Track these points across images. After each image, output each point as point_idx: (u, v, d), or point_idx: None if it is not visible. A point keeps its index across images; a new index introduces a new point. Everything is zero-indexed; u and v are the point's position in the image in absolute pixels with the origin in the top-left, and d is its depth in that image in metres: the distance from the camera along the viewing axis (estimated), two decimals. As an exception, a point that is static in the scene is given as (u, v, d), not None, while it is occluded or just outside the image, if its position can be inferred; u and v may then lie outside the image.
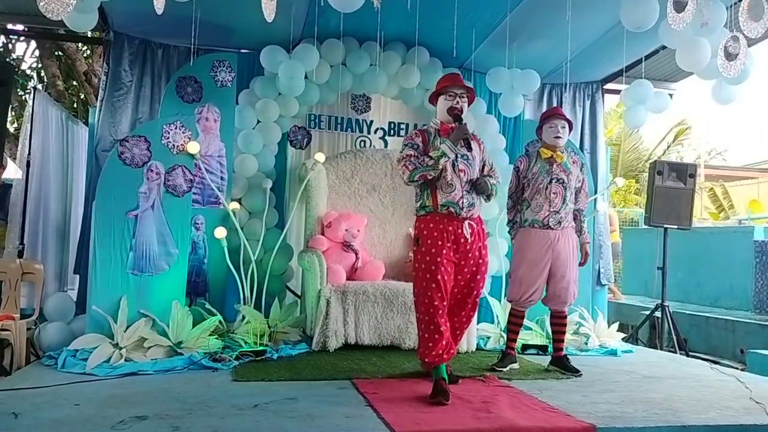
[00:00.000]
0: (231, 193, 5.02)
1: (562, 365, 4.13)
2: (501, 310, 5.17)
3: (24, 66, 10.84)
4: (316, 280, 4.66)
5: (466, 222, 3.48)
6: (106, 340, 3.97)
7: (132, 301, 4.15)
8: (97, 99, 5.65)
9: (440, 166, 3.40)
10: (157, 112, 5.08)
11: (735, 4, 3.65)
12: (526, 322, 5.15)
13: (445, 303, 3.39)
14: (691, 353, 5.80)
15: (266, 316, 4.76)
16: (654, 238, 6.25)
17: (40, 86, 9.17)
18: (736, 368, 5.01)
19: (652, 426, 2.93)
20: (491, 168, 3.71)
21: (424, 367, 3.53)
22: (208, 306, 4.65)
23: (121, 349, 3.94)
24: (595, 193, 5.60)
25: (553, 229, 4.08)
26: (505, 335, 5.01)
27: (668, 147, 16.19)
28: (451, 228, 3.43)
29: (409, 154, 3.45)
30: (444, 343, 3.37)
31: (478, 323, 4.93)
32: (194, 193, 4.69)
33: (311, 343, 4.55)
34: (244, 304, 4.79)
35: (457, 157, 3.46)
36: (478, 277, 3.56)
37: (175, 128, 4.50)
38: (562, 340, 4.24)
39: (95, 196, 4.32)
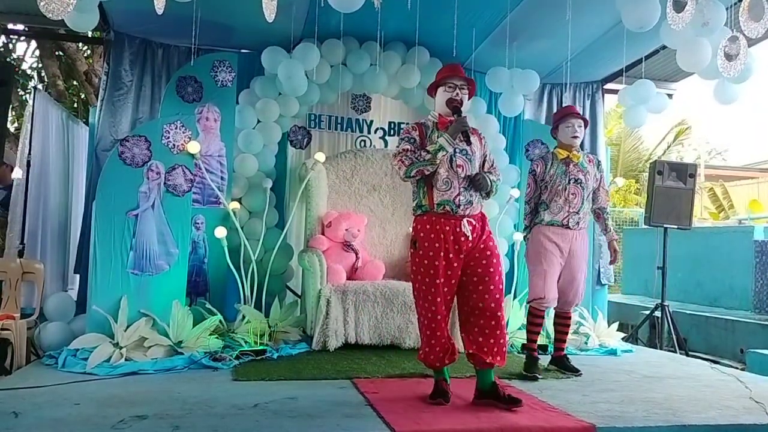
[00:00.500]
0: (231, 192, 5.03)
1: (562, 364, 4.12)
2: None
3: (24, 66, 10.83)
4: (316, 279, 4.66)
5: (465, 220, 3.25)
6: (106, 339, 3.97)
7: (132, 301, 4.15)
8: (97, 99, 5.66)
9: (438, 161, 3.21)
10: (157, 111, 5.09)
11: (735, 4, 3.65)
12: (525, 321, 5.17)
13: (443, 307, 3.23)
14: (691, 353, 5.80)
15: (266, 315, 4.77)
16: (654, 238, 6.25)
17: (40, 86, 9.17)
18: (736, 368, 5.02)
19: (652, 426, 2.93)
20: (492, 165, 3.50)
21: (429, 366, 3.46)
22: (208, 305, 4.65)
23: (121, 348, 3.95)
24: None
25: (571, 229, 4.02)
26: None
27: (668, 147, 16.19)
28: (448, 228, 3.22)
29: (405, 149, 3.26)
30: (443, 346, 3.27)
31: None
32: (194, 193, 4.69)
33: (311, 342, 4.55)
34: (245, 303, 4.79)
35: (455, 151, 3.25)
36: (492, 270, 3.25)
37: (176, 128, 4.50)
38: (564, 340, 4.21)
39: (95, 196, 4.33)
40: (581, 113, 4.45)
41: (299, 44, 4.89)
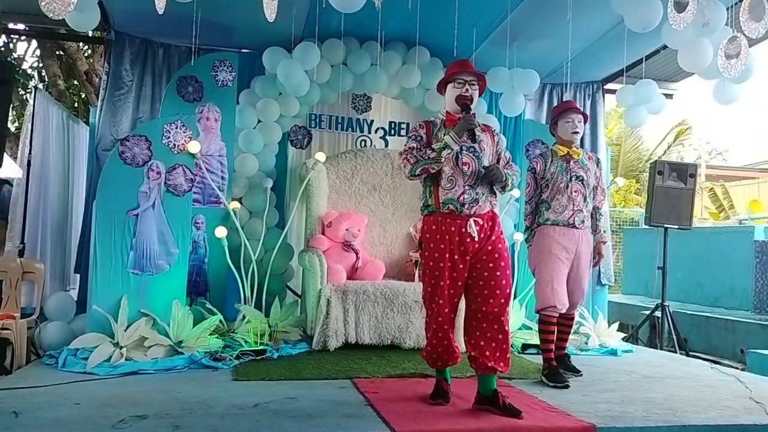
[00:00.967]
0: (231, 192, 5.03)
1: (562, 364, 4.01)
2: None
3: (25, 65, 10.85)
4: (316, 279, 4.66)
5: (471, 220, 3.15)
6: (106, 339, 3.97)
7: (132, 301, 4.15)
8: (97, 98, 5.66)
9: (443, 159, 3.13)
10: (157, 111, 5.09)
11: (735, 4, 3.66)
12: (525, 321, 5.18)
13: (447, 309, 3.19)
14: (691, 353, 5.80)
15: (266, 315, 4.77)
16: (654, 238, 6.25)
17: (41, 85, 9.17)
18: (736, 368, 5.02)
19: (652, 426, 2.93)
20: (507, 162, 3.37)
21: (431, 366, 3.43)
22: (208, 305, 4.65)
23: (121, 348, 3.95)
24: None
25: (577, 228, 3.89)
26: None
27: (669, 147, 16.19)
28: (453, 228, 3.14)
29: (411, 147, 3.21)
30: (446, 348, 3.25)
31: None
32: (195, 193, 4.69)
33: (311, 342, 4.55)
34: (245, 303, 4.79)
35: (461, 149, 3.16)
36: (498, 274, 3.15)
37: (176, 128, 4.50)
38: (566, 340, 4.13)
39: (96, 196, 4.33)
40: (586, 114, 4.36)
41: (299, 44, 4.89)
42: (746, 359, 5.34)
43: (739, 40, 3.56)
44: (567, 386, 3.69)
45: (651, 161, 9.98)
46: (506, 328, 3.18)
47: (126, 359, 3.91)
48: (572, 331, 5.01)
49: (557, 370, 3.82)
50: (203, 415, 2.90)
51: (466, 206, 3.16)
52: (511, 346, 4.81)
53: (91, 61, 9.61)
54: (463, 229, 3.15)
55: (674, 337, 5.63)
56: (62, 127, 5.66)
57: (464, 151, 3.19)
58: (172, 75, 5.13)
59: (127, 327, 4.05)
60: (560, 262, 3.85)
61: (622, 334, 5.47)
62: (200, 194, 4.86)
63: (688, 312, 6.91)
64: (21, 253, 4.86)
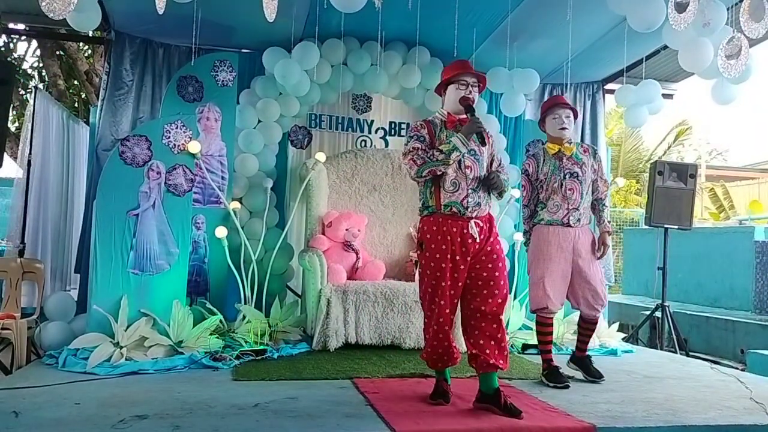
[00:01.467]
0: (232, 192, 5.03)
1: (583, 365, 3.88)
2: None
3: (25, 65, 10.85)
4: (316, 279, 4.67)
5: (472, 221, 3.18)
6: (106, 339, 3.97)
7: (133, 301, 4.15)
8: (98, 98, 5.66)
9: (451, 161, 3.12)
10: (158, 111, 5.09)
11: (736, 4, 3.66)
12: (526, 321, 5.17)
13: (448, 310, 3.20)
14: (691, 353, 5.80)
15: (267, 315, 4.77)
16: (654, 238, 6.25)
17: (41, 85, 9.19)
18: (737, 368, 5.01)
19: (652, 426, 2.93)
20: (500, 164, 3.42)
21: (431, 367, 3.42)
22: (208, 305, 4.66)
23: (121, 348, 3.95)
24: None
25: (572, 226, 3.80)
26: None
27: (669, 147, 16.19)
28: (455, 229, 3.16)
29: (416, 147, 3.16)
30: (446, 349, 3.25)
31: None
32: (195, 193, 4.69)
33: (312, 342, 4.55)
34: (245, 303, 4.79)
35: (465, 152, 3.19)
36: (497, 275, 3.20)
37: (176, 128, 4.50)
38: (587, 342, 3.98)
39: (96, 196, 4.33)
40: (581, 114, 4.29)
41: (298, 44, 4.89)
42: (746, 359, 5.34)
43: (738, 40, 3.56)
44: (567, 386, 3.68)
45: (651, 161, 9.99)
46: (503, 326, 3.22)
47: (126, 359, 3.91)
48: (573, 331, 5.04)
49: (557, 370, 3.79)
50: (203, 415, 2.89)
51: (469, 209, 3.18)
52: (511, 346, 4.89)
53: (91, 61, 9.62)
54: (465, 230, 3.17)
55: (674, 337, 5.63)
56: (62, 127, 5.66)
57: (467, 155, 3.20)
58: (172, 75, 5.13)
59: (128, 327, 4.05)
60: (553, 263, 3.78)
61: (623, 335, 5.47)
62: (200, 194, 4.86)
63: (689, 312, 6.91)
64: (21, 253, 4.86)
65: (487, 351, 3.14)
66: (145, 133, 4.42)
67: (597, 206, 3.99)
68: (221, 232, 4.73)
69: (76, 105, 10.32)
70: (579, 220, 3.84)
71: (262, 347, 4.31)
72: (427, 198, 3.25)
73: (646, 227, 6.71)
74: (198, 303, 4.72)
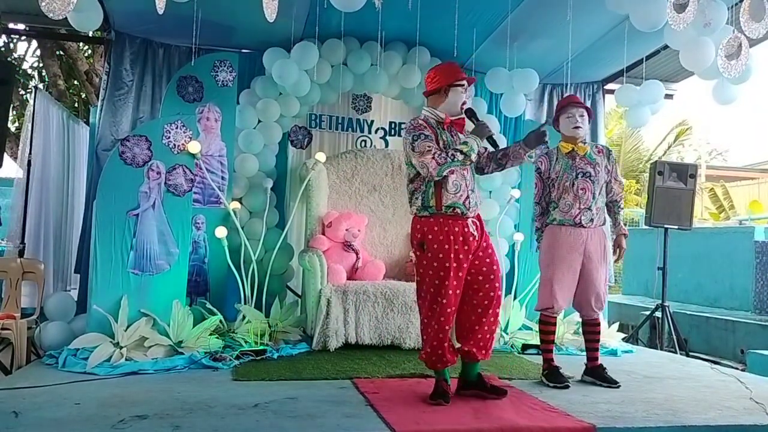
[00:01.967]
0: (232, 192, 5.03)
1: (598, 375, 3.80)
2: (501, 309, 5.15)
3: (25, 65, 10.86)
4: (316, 279, 4.67)
5: (470, 220, 3.31)
6: (106, 339, 3.97)
7: (133, 301, 4.15)
8: (98, 98, 5.66)
9: (469, 163, 3.25)
10: (158, 111, 5.09)
11: (736, 4, 3.65)
12: (525, 321, 5.17)
13: (453, 309, 3.25)
14: (691, 353, 5.80)
15: (267, 315, 4.77)
16: (654, 239, 6.25)
17: (41, 85, 9.19)
18: (737, 368, 5.01)
19: (652, 426, 2.93)
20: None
21: (430, 367, 3.44)
22: (208, 305, 4.65)
23: (121, 348, 3.95)
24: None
25: (585, 227, 3.77)
26: (506, 335, 5.04)
27: (669, 147, 16.20)
28: (457, 229, 3.24)
29: (431, 146, 3.19)
30: (448, 347, 3.28)
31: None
32: (195, 193, 4.69)
33: (311, 342, 4.55)
34: (245, 303, 4.79)
35: None
36: (495, 267, 3.35)
37: (176, 128, 4.50)
38: (597, 349, 3.90)
39: (96, 196, 4.33)
40: (590, 108, 4.23)
41: (297, 44, 4.89)
42: (746, 360, 5.34)
43: (739, 40, 3.55)
44: (567, 386, 3.68)
45: (651, 161, 9.99)
46: (498, 318, 3.47)
47: (126, 359, 3.91)
48: (573, 332, 5.04)
49: (557, 370, 3.79)
50: (203, 415, 2.89)
51: (470, 209, 3.30)
52: (511, 346, 4.90)
53: (91, 61, 9.62)
54: (466, 229, 3.28)
55: (674, 337, 5.63)
56: (62, 127, 5.66)
57: None
58: (172, 75, 5.13)
59: (127, 327, 4.05)
60: (564, 264, 3.77)
61: (623, 335, 5.47)
62: (200, 194, 4.85)
63: (688, 312, 6.92)
64: (21, 253, 4.86)
65: (480, 344, 3.33)
66: (145, 133, 4.41)
67: (612, 208, 3.97)
68: (221, 232, 4.73)
69: (76, 105, 10.33)
70: (592, 220, 3.81)
71: (262, 347, 4.31)
72: (427, 198, 3.27)
73: (646, 227, 6.70)
74: (198, 303, 4.72)
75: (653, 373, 4.22)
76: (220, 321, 4.58)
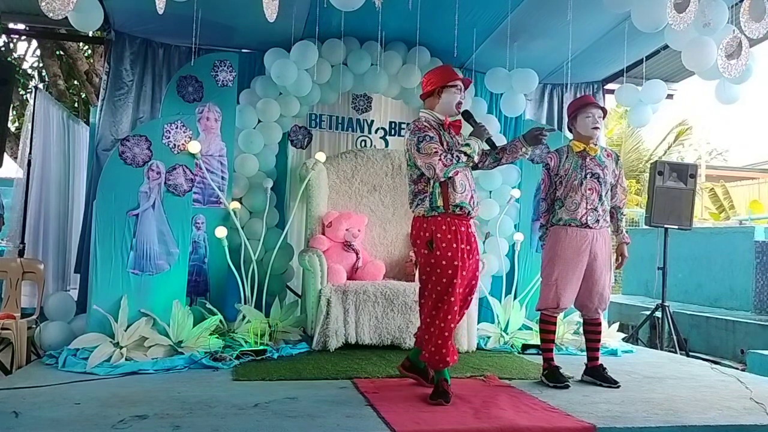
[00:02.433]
0: (232, 192, 5.02)
1: (598, 375, 3.80)
2: (501, 309, 5.18)
3: (25, 65, 10.87)
4: (316, 279, 4.66)
5: (472, 220, 3.46)
6: (106, 339, 3.97)
7: (132, 301, 4.15)
8: (98, 98, 5.66)
9: (471, 164, 3.38)
10: (158, 111, 5.08)
11: (736, 4, 3.65)
12: (525, 321, 5.17)
13: (458, 306, 3.31)
14: (691, 353, 5.80)
15: (267, 315, 4.76)
16: (654, 239, 6.25)
17: (41, 85, 9.18)
18: (737, 368, 5.02)
19: (652, 426, 2.93)
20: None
21: (431, 367, 3.47)
22: (208, 305, 4.65)
23: (121, 348, 3.95)
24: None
25: (591, 228, 3.76)
26: (506, 335, 5.04)
27: (669, 147, 16.18)
28: (463, 228, 3.35)
29: (436, 148, 3.26)
30: (453, 346, 3.37)
31: (478, 323, 4.94)
32: (195, 193, 4.69)
33: (312, 342, 4.55)
34: (245, 303, 4.79)
35: None
36: (478, 273, 3.58)
37: (176, 128, 4.50)
38: (597, 349, 3.91)
39: (96, 196, 4.33)
40: (605, 108, 4.22)
41: (296, 44, 4.88)
42: (746, 360, 5.34)
43: (738, 39, 3.55)
44: (567, 386, 3.68)
45: (651, 161, 9.99)
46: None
47: (126, 359, 3.91)
48: (573, 332, 5.05)
49: (557, 370, 3.79)
50: (203, 415, 2.90)
51: (474, 209, 3.43)
52: (511, 346, 4.90)
53: (91, 61, 9.62)
54: (470, 229, 3.42)
55: (674, 337, 5.63)
56: (62, 127, 5.66)
57: None
58: (172, 75, 5.12)
59: (127, 327, 4.05)
60: (569, 266, 3.76)
61: (623, 335, 5.47)
62: (200, 194, 4.85)
63: (689, 312, 6.92)
64: (21, 253, 4.86)
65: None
66: (145, 133, 4.41)
67: (615, 214, 3.97)
68: (221, 232, 4.73)
69: (76, 105, 10.33)
70: (597, 221, 3.80)
71: (262, 347, 4.31)
72: (435, 198, 3.33)
73: (646, 227, 6.70)
74: (198, 303, 4.72)
75: (653, 373, 4.22)
76: (220, 321, 4.58)
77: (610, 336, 5.17)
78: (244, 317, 4.65)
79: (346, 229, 5.05)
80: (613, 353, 4.90)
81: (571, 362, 4.16)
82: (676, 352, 5.47)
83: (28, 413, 2.86)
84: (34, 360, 4.28)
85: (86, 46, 9.70)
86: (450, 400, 3.23)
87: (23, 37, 9.80)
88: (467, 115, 3.46)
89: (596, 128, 3.85)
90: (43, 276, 4.72)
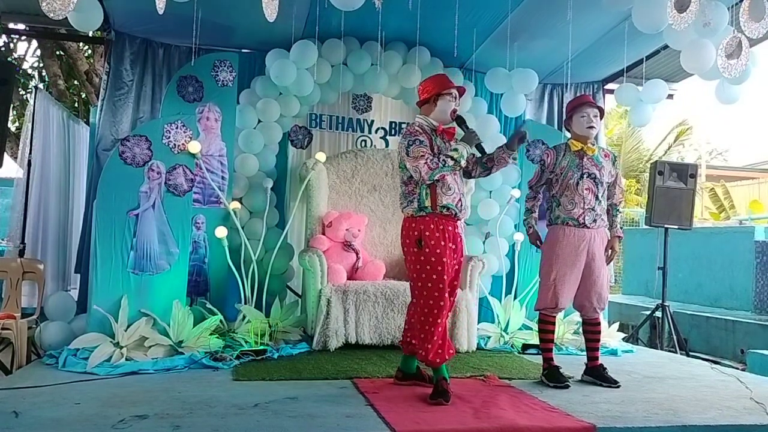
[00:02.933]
0: (232, 192, 5.03)
1: (598, 375, 3.80)
2: (501, 309, 5.18)
3: (25, 65, 10.87)
4: (316, 279, 4.67)
5: (459, 222, 3.56)
6: (106, 339, 3.97)
7: (133, 301, 4.15)
8: (98, 98, 5.66)
9: (459, 168, 3.44)
10: (158, 111, 5.08)
11: (736, 4, 3.65)
12: (525, 321, 5.18)
13: (446, 302, 3.37)
14: (691, 353, 5.80)
15: (267, 315, 4.76)
16: (655, 238, 6.25)
17: (41, 85, 9.19)
18: (737, 368, 5.02)
19: (652, 426, 2.93)
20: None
21: (430, 365, 3.48)
22: (208, 305, 4.65)
23: (121, 348, 3.95)
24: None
25: (588, 227, 3.77)
26: (506, 335, 5.04)
27: (669, 147, 16.19)
28: (450, 228, 3.45)
29: (425, 152, 3.34)
30: (447, 342, 3.39)
31: (478, 323, 4.94)
32: (195, 193, 4.69)
33: (312, 342, 4.55)
34: (245, 303, 4.79)
35: None
36: (461, 275, 3.73)
37: (176, 128, 4.50)
38: (597, 348, 3.91)
39: (96, 196, 4.33)
40: (603, 108, 4.22)
41: (295, 43, 4.88)
42: (746, 359, 5.34)
43: (739, 39, 3.55)
44: (567, 386, 3.68)
45: (651, 161, 9.99)
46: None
47: (126, 359, 3.92)
48: (573, 331, 5.05)
49: (557, 370, 3.79)
50: (203, 415, 2.90)
51: (461, 211, 3.50)
52: (511, 346, 4.90)
53: (92, 61, 9.62)
54: (456, 229, 3.50)
55: (674, 337, 5.63)
56: (62, 127, 5.66)
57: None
58: (172, 75, 5.12)
59: (128, 327, 4.05)
60: (567, 266, 3.77)
61: (623, 335, 5.47)
62: (200, 194, 4.85)
63: (689, 312, 6.92)
64: (21, 253, 4.86)
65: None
66: (145, 133, 4.41)
67: (611, 211, 3.97)
68: (221, 232, 4.73)
69: (76, 105, 10.33)
70: (595, 221, 3.81)
71: (262, 347, 4.31)
72: (423, 199, 3.42)
73: (647, 227, 6.72)
74: (198, 303, 4.72)
75: (653, 373, 4.22)
76: (221, 321, 4.58)
77: (610, 336, 5.17)
78: (244, 317, 4.65)
79: (346, 229, 5.05)
80: (613, 353, 4.90)
81: (571, 362, 4.16)
82: (676, 352, 5.47)
83: (28, 413, 2.86)
84: (34, 360, 4.28)
85: (86, 46, 9.70)
86: (450, 399, 3.24)
87: (23, 37, 9.80)
88: (460, 121, 3.54)
89: (591, 128, 3.84)
90: (43, 276, 4.72)
